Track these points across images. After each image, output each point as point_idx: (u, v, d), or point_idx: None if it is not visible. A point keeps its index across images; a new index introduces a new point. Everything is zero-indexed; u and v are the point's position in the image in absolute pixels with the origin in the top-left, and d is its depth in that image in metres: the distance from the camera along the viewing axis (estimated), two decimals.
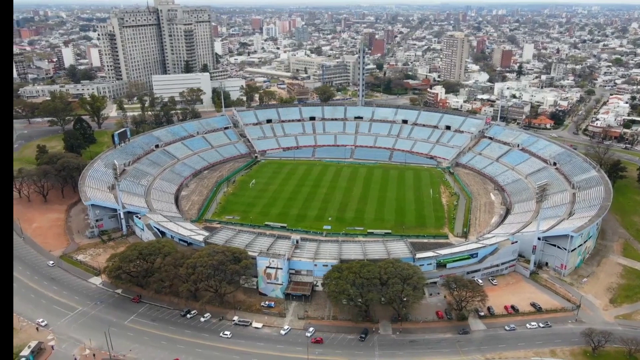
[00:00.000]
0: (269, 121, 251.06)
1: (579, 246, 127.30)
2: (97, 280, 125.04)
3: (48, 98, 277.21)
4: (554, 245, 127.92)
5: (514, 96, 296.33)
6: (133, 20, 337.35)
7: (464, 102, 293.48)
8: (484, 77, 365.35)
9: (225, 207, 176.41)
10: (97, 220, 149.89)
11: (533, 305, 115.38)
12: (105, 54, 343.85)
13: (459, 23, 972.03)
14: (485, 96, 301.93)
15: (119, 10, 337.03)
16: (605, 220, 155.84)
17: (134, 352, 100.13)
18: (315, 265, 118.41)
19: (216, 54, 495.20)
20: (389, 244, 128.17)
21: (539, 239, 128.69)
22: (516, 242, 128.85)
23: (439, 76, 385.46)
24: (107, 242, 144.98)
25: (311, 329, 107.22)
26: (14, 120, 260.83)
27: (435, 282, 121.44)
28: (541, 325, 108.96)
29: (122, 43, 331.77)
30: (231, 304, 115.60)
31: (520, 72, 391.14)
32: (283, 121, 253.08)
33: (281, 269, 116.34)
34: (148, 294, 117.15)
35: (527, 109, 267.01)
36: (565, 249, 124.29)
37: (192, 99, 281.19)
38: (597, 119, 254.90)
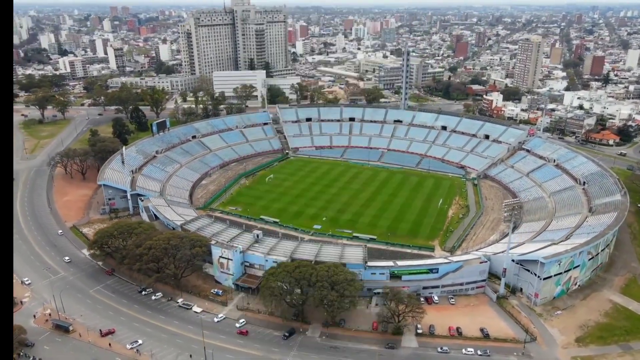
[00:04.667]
0: (308, 119, 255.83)
1: (555, 275, 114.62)
2: (87, 252, 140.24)
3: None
4: (528, 271, 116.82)
5: (581, 107, 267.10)
6: (208, 20, 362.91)
7: (522, 110, 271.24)
8: (560, 85, 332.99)
9: (234, 198, 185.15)
10: (109, 199, 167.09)
11: (481, 330, 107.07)
12: (183, 51, 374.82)
13: (571, 25, 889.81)
14: (551, 106, 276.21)
15: (196, 11, 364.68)
16: (621, 251, 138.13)
17: (83, 317, 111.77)
18: (267, 260, 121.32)
19: (294, 53, 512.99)
20: (346, 249, 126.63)
21: (513, 261, 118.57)
22: (486, 261, 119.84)
23: (512, 82, 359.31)
24: (113, 219, 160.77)
25: (242, 320, 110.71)
26: (91, 107, 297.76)
27: (387, 293, 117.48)
28: (479, 353, 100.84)
29: (196, 41, 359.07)
30: (186, 286, 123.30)
31: (607, 80, 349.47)
32: (322, 120, 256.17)
33: (232, 259, 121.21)
34: (119, 268, 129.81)
35: (589, 121, 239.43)
36: (538, 276, 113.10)
37: (244, 94, 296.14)
38: None
